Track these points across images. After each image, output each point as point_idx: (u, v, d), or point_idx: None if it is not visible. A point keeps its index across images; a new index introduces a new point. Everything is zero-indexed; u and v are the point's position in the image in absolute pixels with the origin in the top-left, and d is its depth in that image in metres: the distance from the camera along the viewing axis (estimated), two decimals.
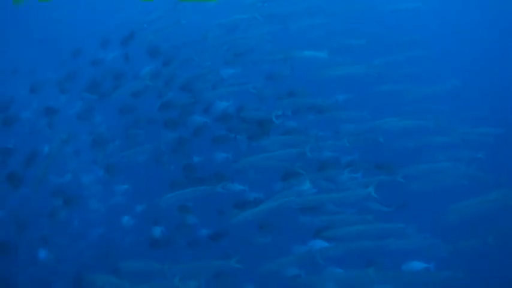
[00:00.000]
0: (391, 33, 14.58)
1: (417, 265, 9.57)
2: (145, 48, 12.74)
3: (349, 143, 10.80)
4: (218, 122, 11.21)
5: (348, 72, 12.31)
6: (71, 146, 12.32)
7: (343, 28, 13.91)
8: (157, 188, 10.83)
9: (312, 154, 10.35)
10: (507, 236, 10.69)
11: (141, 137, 11.89)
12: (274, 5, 13.78)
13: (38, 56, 14.02)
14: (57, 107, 12.42)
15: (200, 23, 13.33)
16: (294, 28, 13.57)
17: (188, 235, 10.75)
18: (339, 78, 12.31)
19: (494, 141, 12.09)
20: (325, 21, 13.83)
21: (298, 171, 10.11)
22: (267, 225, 10.39)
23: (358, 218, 9.90)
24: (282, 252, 10.06)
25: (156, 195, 10.53)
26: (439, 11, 16.06)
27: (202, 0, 15.05)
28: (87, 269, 10.43)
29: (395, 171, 10.46)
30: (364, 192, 9.74)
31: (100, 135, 12.12)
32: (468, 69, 14.34)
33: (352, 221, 9.84)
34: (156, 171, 11.80)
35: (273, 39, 12.96)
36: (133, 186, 12.05)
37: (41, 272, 11.31)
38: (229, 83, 11.77)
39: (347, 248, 9.57)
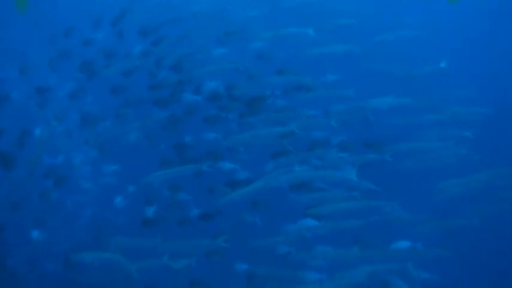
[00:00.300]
0: (381, 13, 14.55)
1: (404, 244, 9.67)
2: (136, 27, 12.67)
3: (337, 123, 10.84)
4: (208, 102, 11.19)
5: (336, 51, 12.35)
6: (63, 126, 12.30)
7: (334, 8, 13.88)
8: (148, 168, 10.82)
9: (301, 133, 10.37)
10: (493, 216, 10.81)
11: (132, 115, 11.86)
12: None
13: (28, 36, 13.92)
14: (48, 86, 12.38)
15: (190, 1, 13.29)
16: (284, 7, 13.54)
17: (179, 214, 10.78)
18: (329, 58, 12.33)
19: (483, 121, 12.14)
20: (316, 1, 13.79)
21: (288, 148, 10.16)
22: (258, 204, 10.46)
23: (346, 195, 9.96)
24: (273, 231, 10.14)
25: (147, 174, 10.59)
26: None
27: None
28: (79, 249, 10.44)
29: (384, 149, 10.51)
30: (348, 172, 9.81)
31: (90, 114, 12.07)
32: (459, 50, 14.35)
33: (340, 199, 9.90)
34: (147, 151, 11.81)
35: (262, 18, 12.97)
36: (125, 166, 12.06)
37: (32, 253, 11.40)
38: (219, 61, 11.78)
39: (335, 226, 9.67)
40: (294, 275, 9.62)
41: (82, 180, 12.31)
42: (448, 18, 15.54)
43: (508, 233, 11.10)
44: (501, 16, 15.89)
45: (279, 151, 10.38)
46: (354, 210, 9.79)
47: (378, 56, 13.13)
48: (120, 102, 12.08)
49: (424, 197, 10.74)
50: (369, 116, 11.25)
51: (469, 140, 11.58)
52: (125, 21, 12.92)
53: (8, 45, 13.96)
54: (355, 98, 11.58)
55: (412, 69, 13.15)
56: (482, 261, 10.85)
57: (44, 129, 12.06)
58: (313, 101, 11.42)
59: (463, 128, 11.76)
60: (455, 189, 10.75)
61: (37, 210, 11.66)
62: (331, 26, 13.26)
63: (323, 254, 9.66)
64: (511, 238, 11.17)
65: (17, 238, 11.55)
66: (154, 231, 10.35)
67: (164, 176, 10.46)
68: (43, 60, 12.92)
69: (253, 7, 13.30)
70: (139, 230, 10.49)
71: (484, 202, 10.94)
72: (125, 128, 11.87)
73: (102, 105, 12.41)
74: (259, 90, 10.98)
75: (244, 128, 10.70)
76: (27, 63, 12.81)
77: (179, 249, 9.97)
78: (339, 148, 10.49)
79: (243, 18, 12.97)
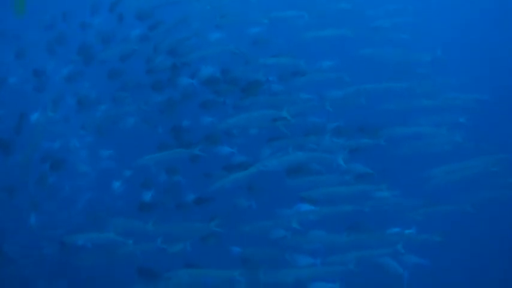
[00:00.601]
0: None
1: (396, 230, 9.74)
2: (134, 12, 12.65)
3: (332, 107, 10.85)
4: (205, 86, 11.21)
5: (330, 35, 12.36)
6: (60, 110, 12.30)
7: None
8: (145, 152, 10.83)
9: (295, 117, 10.40)
10: (486, 203, 10.86)
11: (129, 99, 11.87)
12: None
13: (25, 20, 13.85)
14: (45, 69, 12.37)
15: None
16: None
17: (176, 198, 10.84)
18: (325, 44, 12.32)
19: (478, 108, 12.13)
20: None
21: (284, 131, 10.18)
22: (253, 189, 10.52)
23: (339, 180, 10.00)
24: (269, 215, 10.21)
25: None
26: None
27: None
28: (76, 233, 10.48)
29: (378, 134, 10.54)
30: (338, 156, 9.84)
31: (87, 98, 12.07)
32: (454, 37, 14.33)
33: (333, 183, 9.95)
34: (144, 135, 11.84)
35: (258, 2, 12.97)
36: (122, 150, 12.08)
37: (29, 238, 11.46)
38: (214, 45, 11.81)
39: (329, 211, 9.73)
40: (288, 259, 9.67)
41: (79, 164, 12.35)
42: (445, 5, 15.49)
43: (500, 220, 11.22)
44: (498, 3, 15.78)
45: (274, 136, 10.45)
46: (348, 195, 9.85)
47: (373, 42, 13.09)
48: (117, 86, 12.08)
49: (417, 183, 10.80)
50: (362, 101, 11.23)
51: (464, 127, 11.57)
52: (122, 5, 12.84)
53: (4, 28, 13.90)
54: (350, 83, 11.56)
55: (408, 56, 13.12)
56: (474, 247, 10.99)
57: (41, 114, 12.08)
58: (309, 86, 11.44)
59: (457, 114, 11.77)
60: (448, 176, 10.79)
61: (34, 194, 11.71)
62: (327, 11, 13.21)
63: (317, 238, 9.71)
64: (503, 225, 11.33)
65: (14, 223, 11.63)
66: (151, 215, 10.37)
67: (156, 159, 10.49)
68: (40, 44, 12.90)
69: None
70: (137, 215, 10.51)
71: (477, 189, 10.97)
72: (122, 111, 11.88)
73: (100, 89, 12.39)
74: (255, 75, 10.99)
75: (240, 112, 10.68)
76: (24, 47, 12.77)
77: (172, 233, 10.02)
78: (333, 133, 10.51)
79: (239, 3, 12.91)
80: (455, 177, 10.82)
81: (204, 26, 12.30)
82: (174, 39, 11.84)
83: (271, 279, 9.18)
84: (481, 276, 10.90)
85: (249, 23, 12.53)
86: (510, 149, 11.16)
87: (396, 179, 10.24)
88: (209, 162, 10.62)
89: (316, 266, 9.39)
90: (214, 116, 11.27)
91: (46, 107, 12.14)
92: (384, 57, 12.87)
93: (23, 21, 13.17)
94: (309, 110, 11.03)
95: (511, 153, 11.04)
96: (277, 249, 9.92)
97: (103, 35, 12.48)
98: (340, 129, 10.63)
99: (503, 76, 13.69)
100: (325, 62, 12.03)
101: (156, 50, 11.82)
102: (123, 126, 12.00)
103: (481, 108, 12.15)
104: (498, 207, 11.11)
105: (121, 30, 12.56)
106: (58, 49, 12.67)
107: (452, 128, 11.36)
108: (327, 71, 11.89)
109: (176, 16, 12.53)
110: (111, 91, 12.08)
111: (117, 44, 12.42)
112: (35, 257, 11.37)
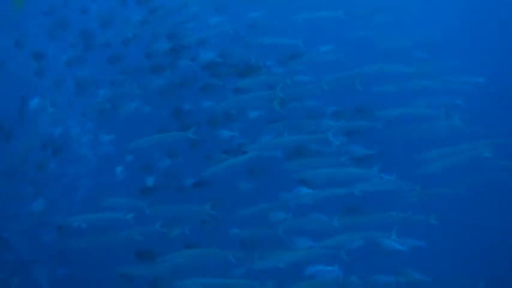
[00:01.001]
0: None
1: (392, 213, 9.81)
2: None
3: (329, 90, 10.81)
4: (204, 70, 11.19)
5: (323, 16, 12.34)
6: (60, 95, 12.29)
7: None
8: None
9: (292, 101, 10.46)
10: (480, 186, 10.91)
11: (128, 83, 11.84)
12: None
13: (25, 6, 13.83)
14: (46, 53, 12.34)
15: None
16: None
17: (177, 181, 10.86)
18: (321, 27, 12.26)
19: (475, 91, 12.05)
20: None
21: (282, 113, 10.16)
22: (253, 172, 10.50)
23: (336, 162, 9.99)
24: (268, 199, 10.20)
25: None
26: None
27: None
28: None
29: (375, 115, 10.50)
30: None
31: (87, 82, 12.05)
32: (452, 20, 14.23)
33: (331, 165, 9.95)
34: (145, 119, 11.82)
35: None
36: (123, 134, 12.06)
37: (30, 224, 11.50)
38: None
39: (327, 194, 9.76)
40: (286, 241, 9.67)
41: (80, 149, 12.36)
42: None
43: (496, 203, 11.28)
44: None
45: (273, 119, 10.50)
46: (345, 178, 9.86)
47: (369, 24, 13.04)
48: (117, 70, 12.09)
49: (413, 166, 10.79)
50: (358, 85, 11.15)
51: (461, 109, 11.46)
52: None
53: (3, 13, 13.86)
54: (347, 66, 11.50)
55: (405, 39, 13.04)
56: (466, 227, 11.06)
57: (41, 99, 12.07)
58: (307, 70, 11.41)
59: (455, 97, 11.67)
60: (443, 159, 10.76)
61: (35, 181, 11.74)
62: None
63: (315, 221, 9.71)
64: (498, 208, 11.30)
65: (14, 209, 11.67)
66: (152, 199, 10.38)
67: (150, 141, 10.50)
68: (40, 29, 12.87)
69: None
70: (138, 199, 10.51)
71: (472, 172, 10.97)
72: (122, 95, 11.86)
73: (100, 73, 12.36)
74: (253, 59, 11.03)
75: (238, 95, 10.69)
76: (24, 33, 12.76)
77: (168, 215, 10.02)
78: (331, 116, 10.52)
79: None
80: (450, 161, 10.78)
81: (204, 9, 12.25)
82: (173, 23, 11.82)
83: (270, 262, 9.14)
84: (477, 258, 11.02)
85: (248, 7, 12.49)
86: (507, 133, 11.09)
87: (392, 162, 10.17)
88: (210, 145, 10.63)
89: (315, 248, 9.33)
90: (214, 99, 11.22)
91: (46, 92, 12.14)
92: (380, 41, 12.81)
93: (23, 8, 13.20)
94: (307, 93, 10.99)
95: (507, 137, 10.95)
96: (276, 232, 9.88)
97: (103, 19, 12.43)
98: (338, 112, 10.62)
99: (503, 59, 13.59)
100: (323, 47, 11.94)
101: (155, 34, 11.79)
102: (124, 111, 11.94)
103: (478, 91, 12.05)
104: (493, 191, 11.15)
105: (121, 15, 12.54)
106: (58, 34, 12.62)
107: (450, 111, 11.25)
108: (325, 54, 11.81)
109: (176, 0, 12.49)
110: (112, 75, 12.05)
111: (117, 28, 12.39)
112: (34, 242, 11.41)
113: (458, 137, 11.04)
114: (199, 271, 8.94)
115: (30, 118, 11.99)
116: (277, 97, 10.21)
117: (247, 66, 10.76)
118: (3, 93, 12.13)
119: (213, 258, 9.21)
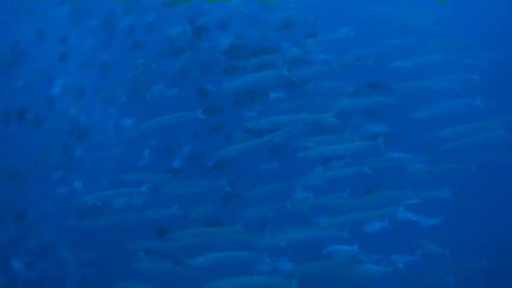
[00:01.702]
0: None
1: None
2: None
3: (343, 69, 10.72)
4: (224, 53, 11.15)
5: None
6: (83, 80, 12.41)
7: None
8: None
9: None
10: (491, 164, 10.89)
11: (151, 67, 11.88)
12: None
13: None
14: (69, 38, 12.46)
15: None
16: None
17: (200, 162, 10.91)
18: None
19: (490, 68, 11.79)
20: None
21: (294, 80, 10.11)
22: (275, 151, 10.46)
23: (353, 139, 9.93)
24: (290, 178, 10.19)
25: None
26: None
27: None
28: None
29: (391, 90, 10.36)
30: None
31: (110, 67, 12.13)
32: None
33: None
34: (169, 103, 11.86)
35: None
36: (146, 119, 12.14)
37: (53, 207, 11.68)
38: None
39: (339, 174, 9.81)
40: (307, 220, 9.67)
41: (104, 134, 12.48)
42: None
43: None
44: None
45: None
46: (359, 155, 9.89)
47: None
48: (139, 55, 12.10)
49: (427, 144, 10.76)
50: (371, 62, 10.99)
51: (476, 86, 11.20)
52: None
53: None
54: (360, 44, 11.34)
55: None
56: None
57: (65, 85, 12.22)
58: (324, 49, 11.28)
59: (470, 72, 11.42)
60: (457, 137, 10.63)
61: (60, 165, 11.91)
62: None
63: (335, 200, 9.69)
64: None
65: (39, 194, 11.86)
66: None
67: (159, 123, 10.51)
68: (63, 16, 13.00)
69: None
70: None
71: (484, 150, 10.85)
72: (146, 79, 11.90)
73: (122, 58, 12.44)
74: (270, 42, 10.97)
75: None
76: (47, 21, 12.90)
77: (185, 191, 10.04)
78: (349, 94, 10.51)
79: None
80: (464, 140, 10.65)
81: None
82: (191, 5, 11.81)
83: (291, 240, 9.10)
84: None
85: None
86: None
87: (406, 140, 10.14)
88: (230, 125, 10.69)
89: (334, 226, 9.26)
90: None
91: (72, 78, 12.29)
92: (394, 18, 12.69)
93: None
94: (324, 73, 10.87)
95: None
96: (298, 211, 9.82)
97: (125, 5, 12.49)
98: (355, 90, 10.59)
99: None
100: (343, 28, 11.78)
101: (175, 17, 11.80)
102: (148, 95, 11.99)
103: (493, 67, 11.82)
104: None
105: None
106: (81, 20, 12.73)
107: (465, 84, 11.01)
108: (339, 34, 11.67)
109: None
110: (134, 59, 12.10)
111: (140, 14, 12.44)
112: (57, 225, 11.58)
113: (473, 113, 10.82)
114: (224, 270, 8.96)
115: (57, 103, 12.15)
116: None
117: (261, 47, 10.71)
118: (30, 80, 12.32)
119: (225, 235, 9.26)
